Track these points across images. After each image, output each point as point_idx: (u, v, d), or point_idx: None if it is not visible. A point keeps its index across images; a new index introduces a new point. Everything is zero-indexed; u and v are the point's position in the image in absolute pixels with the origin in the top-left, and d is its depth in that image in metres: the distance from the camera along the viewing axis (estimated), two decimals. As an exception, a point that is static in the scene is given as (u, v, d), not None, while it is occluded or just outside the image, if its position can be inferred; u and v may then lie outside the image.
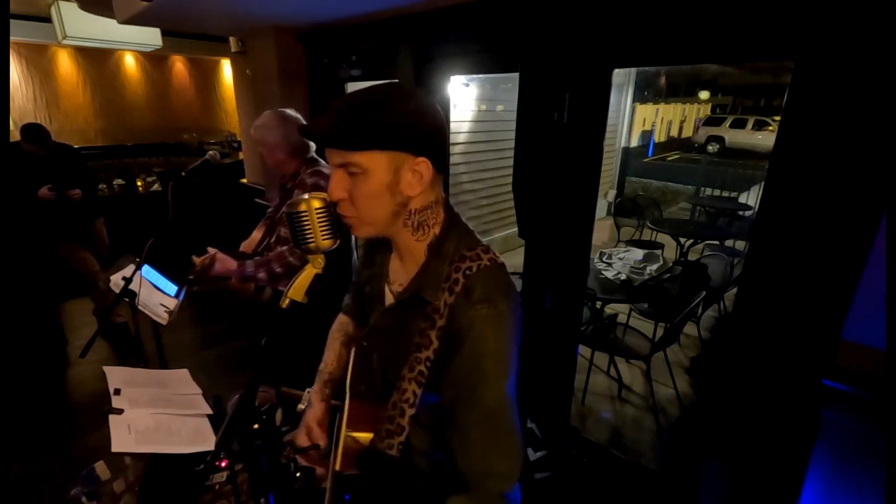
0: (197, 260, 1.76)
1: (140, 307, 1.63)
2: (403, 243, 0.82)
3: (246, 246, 2.10)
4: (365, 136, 0.69)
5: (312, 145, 1.97)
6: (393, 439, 0.77)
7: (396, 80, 0.66)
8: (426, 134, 0.72)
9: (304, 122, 1.94)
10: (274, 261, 1.78)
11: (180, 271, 1.77)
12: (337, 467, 0.82)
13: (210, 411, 1.31)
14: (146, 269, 1.69)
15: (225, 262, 1.76)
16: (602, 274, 3.04)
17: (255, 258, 1.84)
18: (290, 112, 1.90)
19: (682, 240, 4.44)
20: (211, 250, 1.79)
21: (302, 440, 0.97)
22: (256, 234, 2.09)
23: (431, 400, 0.79)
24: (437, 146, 0.74)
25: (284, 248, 1.81)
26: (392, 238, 0.82)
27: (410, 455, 0.87)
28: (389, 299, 0.89)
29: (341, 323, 1.12)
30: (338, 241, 0.80)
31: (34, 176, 3.00)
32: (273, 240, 1.96)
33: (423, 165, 0.72)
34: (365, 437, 0.82)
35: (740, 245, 4.79)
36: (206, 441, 1.18)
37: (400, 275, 0.86)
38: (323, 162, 1.98)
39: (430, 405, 0.80)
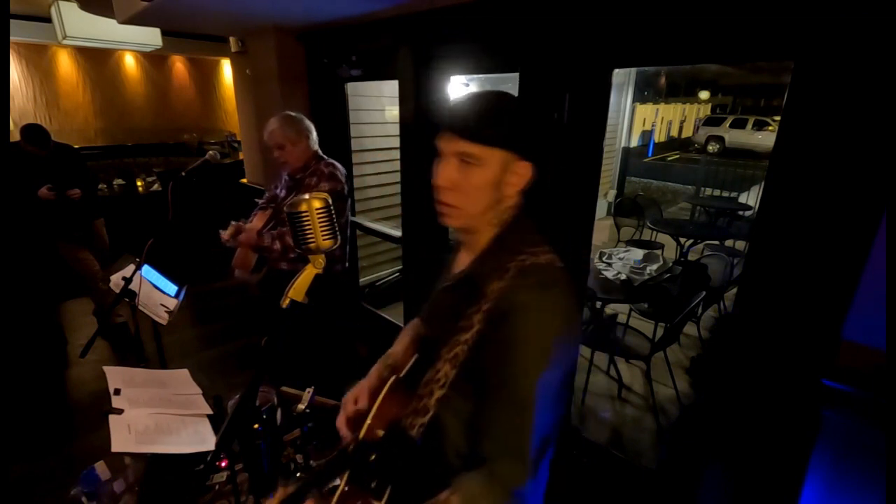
0: (223, 233, 2.11)
1: (140, 307, 1.64)
2: (480, 237, 0.85)
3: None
4: (493, 133, 0.76)
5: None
6: (416, 419, 0.78)
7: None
8: (536, 143, 0.81)
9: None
10: (287, 234, 2.01)
11: (180, 271, 1.80)
12: (361, 435, 0.83)
13: (210, 411, 1.31)
14: (146, 269, 1.69)
15: (248, 232, 2.08)
16: (602, 274, 3.03)
17: (271, 231, 2.13)
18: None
19: (682, 240, 4.44)
20: (234, 222, 2.14)
21: (349, 398, 0.98)
22: (258, 222, 2.24)
23: (469, 381, 0.78)
24: (540, 155, 0.82)
25: None
26: (471, 233, 0.86)
27: (442, 447, 0.85)
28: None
29: (414, 323, 1.17)
30: (338, 242, 0.80)
31: (34, 176, 3.00)
32: (279, 221, 2.19)
33: (527, 169, 0.80)
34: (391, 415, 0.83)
35: (740, 245, 4.78)
36: (206, 441, 1.18)
37: (464, 264, 0.89)
38: (326, 157, 2.23)
39: (466, 391, 0.79)
